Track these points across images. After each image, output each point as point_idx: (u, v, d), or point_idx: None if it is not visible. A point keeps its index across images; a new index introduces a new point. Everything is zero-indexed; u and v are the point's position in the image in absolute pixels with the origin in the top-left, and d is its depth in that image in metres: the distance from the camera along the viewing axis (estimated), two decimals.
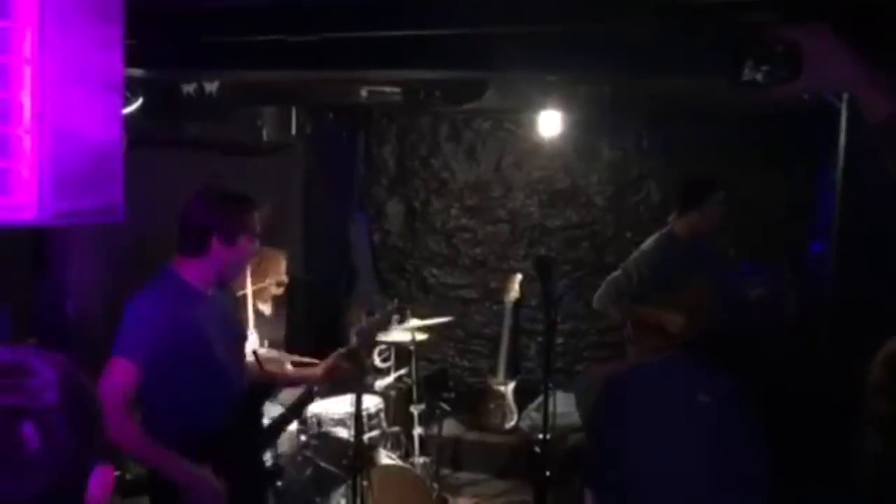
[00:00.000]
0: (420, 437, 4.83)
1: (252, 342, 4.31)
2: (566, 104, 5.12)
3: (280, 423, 3.32)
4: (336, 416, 4.40)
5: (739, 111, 5.21)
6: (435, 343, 5.54)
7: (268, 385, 3.24)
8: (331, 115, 6.34)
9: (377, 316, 4.07)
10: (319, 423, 4.41)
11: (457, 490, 5.47)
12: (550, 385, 3.61)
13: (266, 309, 4.84)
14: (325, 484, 3.89)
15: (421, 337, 4.79)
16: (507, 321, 6.20)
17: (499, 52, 2.99)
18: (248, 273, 4.43)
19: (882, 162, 1.56)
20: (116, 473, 1.18)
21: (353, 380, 3.48)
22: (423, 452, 4.84)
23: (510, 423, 5.91)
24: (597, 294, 4.31)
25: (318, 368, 3.36)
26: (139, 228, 2.62)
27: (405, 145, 6.88)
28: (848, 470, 1.66)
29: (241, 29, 2.95)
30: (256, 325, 4.56)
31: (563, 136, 5.88)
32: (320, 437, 4.24)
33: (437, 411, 5.26)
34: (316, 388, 3.63)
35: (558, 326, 5.71)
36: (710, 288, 4.14)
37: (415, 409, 4.83)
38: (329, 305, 6.30)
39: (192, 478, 2.66)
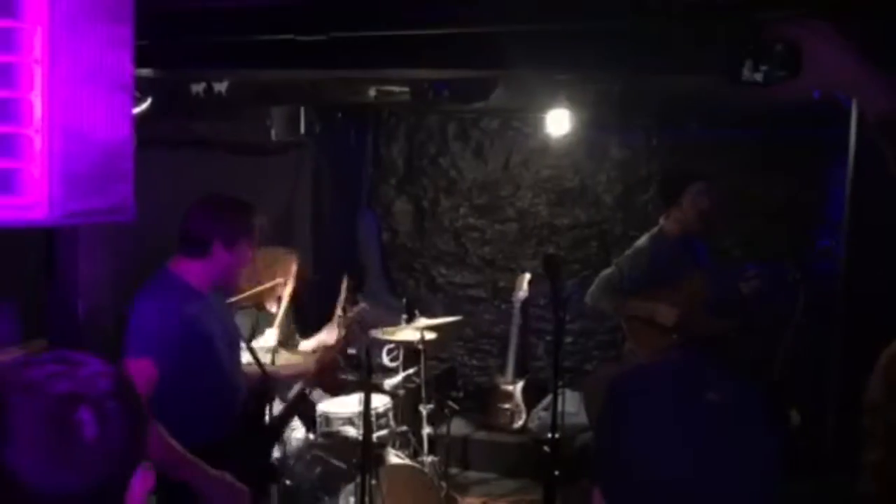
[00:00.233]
0: (428, 436, 4.82)
1: (269, 338, 4.33)
2: (574, 103, 5.11)
3: (278, 425, 3.34)
4: (345, 415, 4.41)
5: (748, 110, 5.19)
6: (443, 342, 5.53)
7: (267, 385, 3.24)
8: (339, 115, 6.35)
9: (359, 307, 4.06)
10: (328, 422, 4.42)
11: (465, 489, 5.47)
12: (560, 384, 3.60)
13: (275, 309, 4.85)
14: (334, 483, 3.90)
15: (429, 336, 4.79)
16: (516, 320, 6.19)
17: (507, 50, 2.99)
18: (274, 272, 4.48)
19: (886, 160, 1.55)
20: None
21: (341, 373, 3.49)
22: (431, 451, 4.84)
23: (519, 423, 5.91)
24: (589, 290, 4.32)
25: (311, 363, 3.38)
26: (149, 228, 2.63)
27: (413, 144, 6.88)
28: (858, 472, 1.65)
29: (250, 29, 2.95)
30: (269, 324, 4.58)
31: (571, 135, 5.86)
32: (329, 436, 4.25)
33: (446, 410, 5.26)
34: (308, 390, 3.65)
35: (567, 325, 5.70)
36: (702, 282, 4.16)
37: (423, 409, 4.83)
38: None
39: (215, 482, 2.63)
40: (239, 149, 5.48)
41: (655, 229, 4.35)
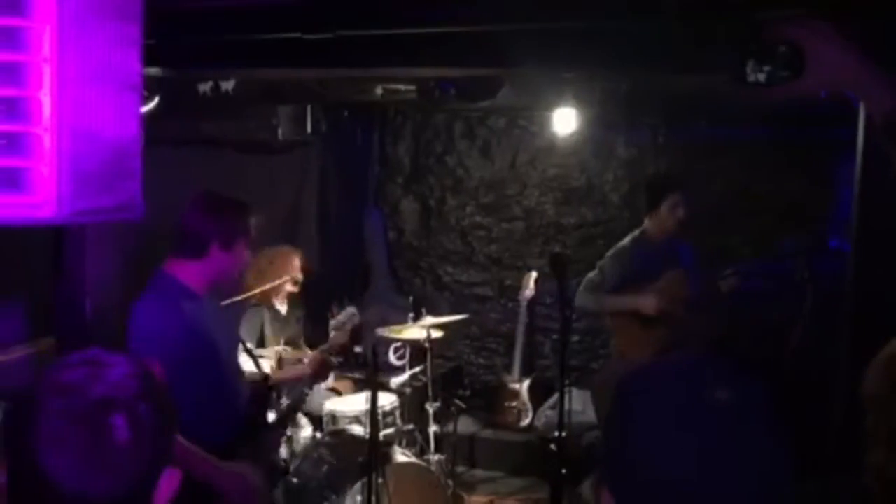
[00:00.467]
0: (435, 434, 4.83)
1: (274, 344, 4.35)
2: (581, 101, 5.11)
3: (277, 426, 3.35)
4: (351, 414, 4.42)
5: (756, 109, 5.17)
6: (450, 341, 5.54)
7: (267, 388, 3.24)
8: (346, 113, 6.35)
9: (349, 310, 4.07)
10: (335, 421, 4.43)
11: (472, 488, 5.48)
12: (566, 383, 3.60)
13: (281, 307, 4.87)
14: (341, 481, 3.90)
15: (436, 335, 4.79)
16: (523, 319, 6.19)
17: (514, 49, 2.98)
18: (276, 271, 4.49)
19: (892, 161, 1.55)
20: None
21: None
22: (438, 450, 4.85)
23: (525, 421, 5.91)
24: (577, 292, 4.33)
25: (307, 365, 3.38)
26: (157, 226, 2.63)
27: (420, 143, 6.89)
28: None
29: (257, 27, 2.96)
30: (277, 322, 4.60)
31: (578, 134, 5.86)
32: (336, 435, 4.25)
33: (453, 409, 5.26)
34: (306, 391, 3.65)
35: (573, 324, 5.72)
36: (681, 281, 4.20)
37: (430, 407, 4.83)
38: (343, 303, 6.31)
39: (231, 477, 2.62)
40: (246, 147, 5.50)
41: (638, 231, 4.40)
